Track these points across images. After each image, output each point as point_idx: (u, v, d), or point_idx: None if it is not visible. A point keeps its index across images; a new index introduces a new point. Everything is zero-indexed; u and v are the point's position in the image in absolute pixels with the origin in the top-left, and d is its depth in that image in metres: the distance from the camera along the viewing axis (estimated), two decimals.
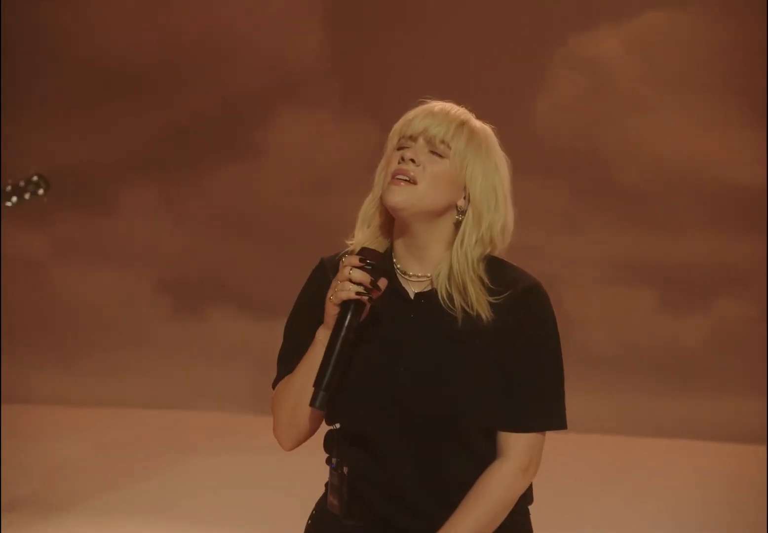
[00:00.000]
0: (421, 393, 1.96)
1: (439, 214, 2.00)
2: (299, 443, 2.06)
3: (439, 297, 1.99)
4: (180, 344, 6.17)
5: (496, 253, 2.04)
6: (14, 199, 3.88)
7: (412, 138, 2.00)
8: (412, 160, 1.98)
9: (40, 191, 3.92)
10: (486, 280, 2.00)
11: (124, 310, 6.27)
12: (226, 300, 6.12)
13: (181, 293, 6.24)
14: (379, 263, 1.95)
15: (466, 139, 1.99)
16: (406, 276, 2.03)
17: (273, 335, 6.17)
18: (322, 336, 1.97)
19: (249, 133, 6.12)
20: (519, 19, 5.89)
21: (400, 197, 1.96)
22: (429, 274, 2.02)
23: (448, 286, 2.00)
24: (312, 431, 2.05)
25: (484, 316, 1.97)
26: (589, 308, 5.89)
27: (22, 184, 3.91)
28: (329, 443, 2.06)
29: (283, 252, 6.05)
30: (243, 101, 6.10)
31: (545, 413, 2.01)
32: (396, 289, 2.01)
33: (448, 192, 1.99)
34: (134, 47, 6.15)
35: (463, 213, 2.01)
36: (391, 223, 2.05)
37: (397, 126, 2.04)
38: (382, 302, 1.97)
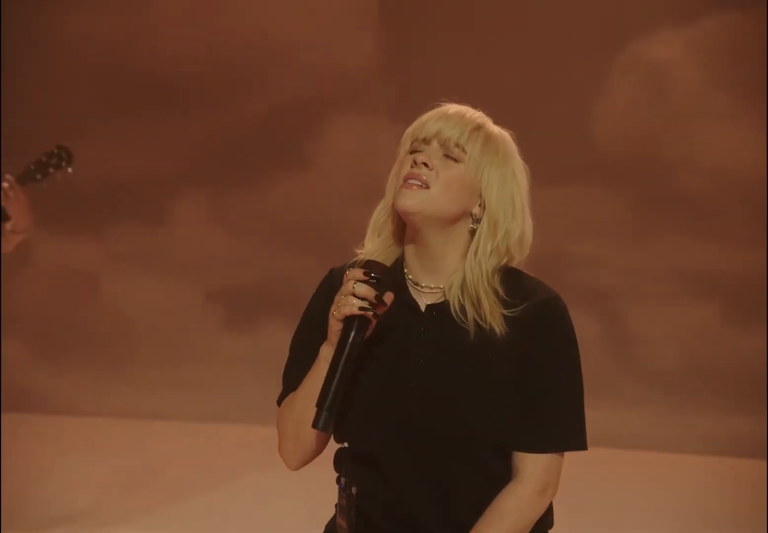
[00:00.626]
0: (431, 412, 1.89)
1: (452, 221, 1.92)
2: (305, 463, 2.00)
3: (452, 309, 1.92)
4: (231, 357, 6.11)
5: (514, 265, 1.96)
6: (38, 176, 3.75)
7: (426, 141, 1.92)
8: (425, 164, 1.90)
9: (63, 163, 3.78)
10: (501, 292, 1.91)
11: (177, 322, 6.22)
12: (278, 312, 6.03)
13: (233, 305, 6.18)
14: (385, 276, 1.86)
15: (482, 143, 1.92)
16: (417, 288, 1.96)
17: None
18: (326, 352, 1.89)
19: (301, 141, 6.06)
20: (579, 24, 5.77)
21: (412, 201, 1.88)
22: (442, 286, 1.94)
23: (460, 297, 1.91)
24: (318, 451, 1.98)
25: (498, 330, 1.89)
26: (650, 322, 5.73)
27: (44, 158, 3.78)
28: (338, 462, 1.99)
29: (335, 264, 5.95)
30: (295, 109, 6.02)
31: (564, 433, 1.93)
32: (406, 301, 1.94)
33: (463, 198, 1.91)
34: (184, 56, 6.11)
35: (478, 221, 1.93)
36: (402, 231, 1.98)
37: (410, 129, 1.96)
38: (391, 314, 1.88)
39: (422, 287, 1.96)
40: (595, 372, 4.45)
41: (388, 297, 1.86)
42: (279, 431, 1.98)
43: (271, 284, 6.09)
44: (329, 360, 1.85)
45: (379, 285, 1.84)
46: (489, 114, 1.99)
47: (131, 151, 6.21)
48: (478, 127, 1.93)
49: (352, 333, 1.83)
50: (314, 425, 1.81)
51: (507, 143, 1.95)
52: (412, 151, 1.94)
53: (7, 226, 3.78)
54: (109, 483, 4.84)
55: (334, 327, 1.86)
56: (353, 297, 1.83)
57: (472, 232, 1.93)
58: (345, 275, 1.87)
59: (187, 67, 6.11)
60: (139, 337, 6.22)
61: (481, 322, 1.90)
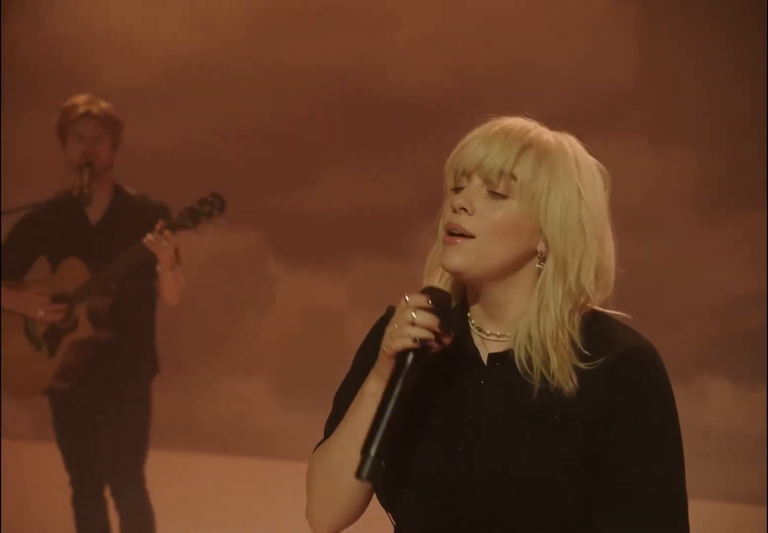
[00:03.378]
0: (481, 483, 1.60)
1: (513, 268, 1.64)
2: (338, 529, 1.70)
3: (516, 359, 1.63)
4: None
5: (598, 305, 1.65)
6: (190, 223, 3.78)
7: (466, 174, 1.64)
8: (464, 209, 1.62)
9: (215, 212, 3.78)
10: (579, 343, 1.61)
11: None
12: None
13: None
14: (449, 306, 1.60)
15: (533, 165, 1.61)
16: (482, 334, 1.68)
17: None
18: (373, 387, 1.62)
19: None
20: None
21: (458, 259, 1.62)
22: (509, 334, 1.66)
23: (528, 347, 1.63)
24: (354, 516, 1.69)
25: (567, 387, 1.60)
26: None
27: (197, 206, 3.79)
28: None
29: None
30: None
31: (658, 524, 1.58)
32: (467, 349, 1.66)
33: (519, 242, 1.62)
34: (424, 81, 5.85)
35: (544, 259, 1.64)
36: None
37: (450, 157, 1.68)
38: (449, 364, 1.64)
39: (487, 334, 1.67)
40: None
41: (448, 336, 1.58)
42: (307, 487, 1.69)
43: None
44: (377, 397, 1.58)
45: (444, 314, 1.58)
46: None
47: (372, 181, 5.99)
48: (527, 146, 1.62)
49: (408, 366, 1.56)
50: (358, 474, 1.54)
51: (567, 154, 1.65)
52: (456, 188, 1.66)
53: (158, 267, 3.86)
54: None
55: (385, 361, 1.59)
56: (410, 327, 1.55)
57: (540, 272, 1.64)
58: (401, 301, 1.58)
59: (428, 92, 5.85)
60: None
61: (548, 377, 1.61)
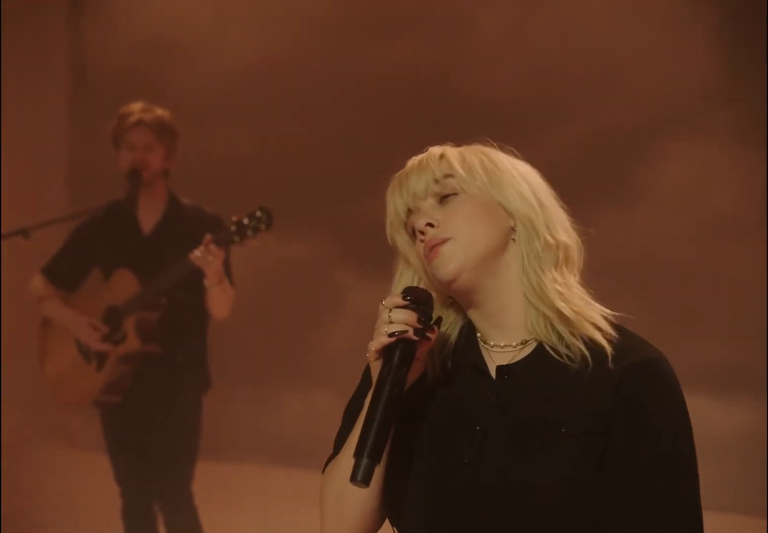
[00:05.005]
0: (487, 493, 1.59)
1: (497, 252, 1.68)
2: None
3: (547, 348, 1.64)
4: None
5: (576, 269, 1.70)
6: (237, 238, 3.74)
7: (412, 211, 1.71)
8: (429, 225, 1.68)
9: (262, 226, 3.73)
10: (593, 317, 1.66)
11: None
12: None
13: None
14: (429, 301, 1.62)
15: (460, 161, 1.71)
16: (487, 346, 1.70)
17: None
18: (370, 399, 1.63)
19: (628, 170, 5.50)
20: None
21: (449, 266, 1.65)
22: (514, 343, 1.68)
23: (544, 327, 1.65)
24: (369, 530, 1.67)
25: (582, 363, 1.62)
26: None
27: (245, 221, 3.74)
28: None
29: (666, 310, 5.35)
30: (621, 135, 5.48)
31: (675, 524, 1.56)
32: (474, 361, 1.68)
33: (489, 222, 1.68)
34: (500, 82, 5.74)
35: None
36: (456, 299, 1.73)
37: (387, 223, 1.74)
38: (457, 378, 1.67)
39: (491, 346, 1.69)
40: None
41: (433, 330, 1.61)
42: (320, 505, 1.69)
43: None
44: None
45: (422, 308, 1.59)
46: None
47: None
48: (443, 155, 1.72)
49: (395, 362, 1.56)
50: (352, 478, 1.51)
51: (485, 148, 1.76)
52: (415, 232, 1.71)
53: (205, 282, 3.83)
54: None
55: (375, 368, 1.62)
56: (387, 325, 1.59)
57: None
58: (380, 305, 1.62)
59: (504, 98, 5.75)
60: None
61: (582, 348, 1.62)
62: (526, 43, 5.70)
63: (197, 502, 4.04)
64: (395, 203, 1.71)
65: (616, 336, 1.65)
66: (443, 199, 1.70)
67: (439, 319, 1.70)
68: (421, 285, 1.72)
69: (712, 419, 5.03)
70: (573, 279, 1.69)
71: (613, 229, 5.53)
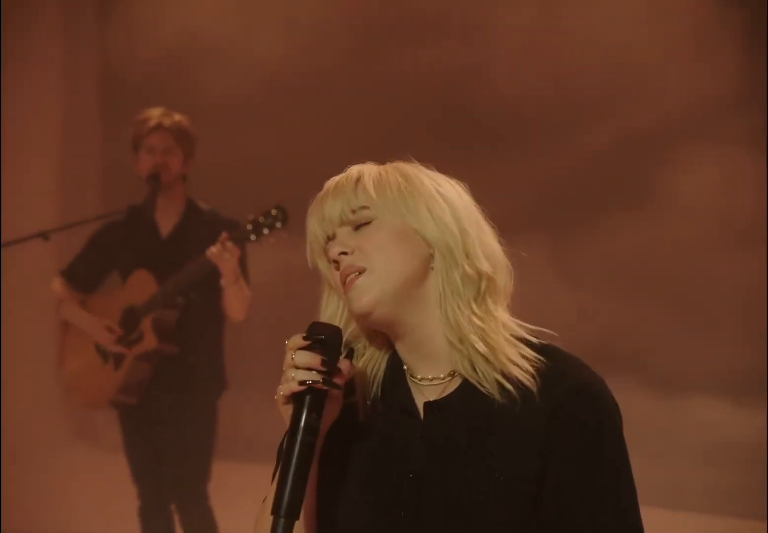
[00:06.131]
0: None
1: (415, 283, 1.59)
2: None
3: (478, 382, 1.57)
4: None
5: (503, 297, 1.62)
6: (253, 236, 3.77)
7: (329, 238, 1.64)
8: (343, 253, 1.61)
9: (278, 224, 3.76)
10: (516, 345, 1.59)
11: None
12: (622, 371, 5.42)
13: None
14: (334, 337, 1.54)
15: (376, 187, 1.62)
16: (416, 380, 1.63)
17: (679, 415, 5.39)
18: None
19: (651, 176, 5.45)
20: None
21: (364, 298, 1.58)
22: (442, 375, 1.61)
23: (464, 355, 1.58)
24: None
25: (511, 424, 1.56)
26: None
27: (261, 219, 3.78)
28: None
29: (689, 318, 5.32)
30: (643, 140, 5.44)
31: None
32: (401, 399, 1.62)
33: (405, 250, 1.60)
34: (526, 90, 5.73)
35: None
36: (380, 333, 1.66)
37: (308, 247, 1.68)
38: (385, 419, 1.61)
39: (419, 380, 1.62)
40: None
41: (344, 364, 1.53)
42: None
43: (614, 339, 5.51)
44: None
45: (327, 348, 1.51)
46: None
47: (472, 193, 5.88)
48: (358, 179, 1.63)
49: (304, 414, 1.48)
50: None
51: (405, 166, 1.66)
52: (331, 260, 1.64)
53: (221, 281, 3.84)
54: None
55: (285, 412, 1.54)
56: (295, 370, 1.50)
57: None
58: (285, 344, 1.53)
59: (530, 102, 5.74)
60: None
61: (506, 384, 1.56)
62: (548, 50, 5.68)
63: (213, 503, 4.06)
64: (314, 228, 1.64)
65: (544, 362, 1.58)
66: (358, 227, 1.62)
67: (351, 351, 1.63)
68: (346, 313, 1.65)
69: (735, 426, 4.99)
70: (498, 310, 1.62)
71: (638, 234, 5.53)
